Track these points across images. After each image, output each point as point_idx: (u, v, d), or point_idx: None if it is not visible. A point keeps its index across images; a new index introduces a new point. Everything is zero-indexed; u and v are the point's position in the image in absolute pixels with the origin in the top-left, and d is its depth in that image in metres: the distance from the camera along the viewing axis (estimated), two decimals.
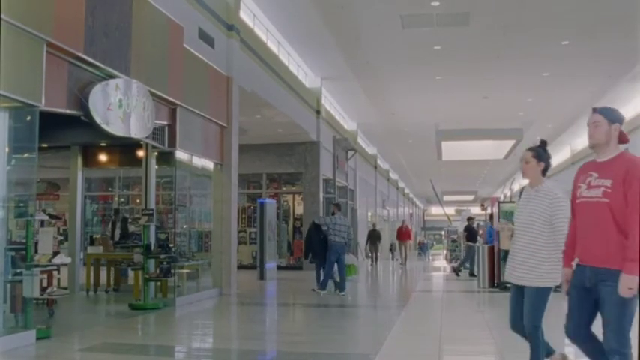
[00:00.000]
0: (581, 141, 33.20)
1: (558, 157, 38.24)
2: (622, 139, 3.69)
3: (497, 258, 12.71)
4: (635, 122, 24.35)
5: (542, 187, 4.33)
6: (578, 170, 3.87)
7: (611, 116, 3.70)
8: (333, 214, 12.95)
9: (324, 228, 12.39)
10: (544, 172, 4.40)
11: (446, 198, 55.36)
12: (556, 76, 19.43)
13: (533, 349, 4.39)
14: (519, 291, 4.38)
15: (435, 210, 71.40)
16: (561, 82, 20.11)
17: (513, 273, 4.39)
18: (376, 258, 23.84)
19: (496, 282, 12.70)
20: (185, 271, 11.03)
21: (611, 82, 20.37)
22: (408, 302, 11.43)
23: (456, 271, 17.10)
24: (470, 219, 18.21)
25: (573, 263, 3.80)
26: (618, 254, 3.42)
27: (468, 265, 17.09)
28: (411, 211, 60.64)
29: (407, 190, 55.67)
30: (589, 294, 3.62)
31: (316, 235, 12.49)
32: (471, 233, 17.32)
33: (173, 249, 10.11)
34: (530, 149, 4.45)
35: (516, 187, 50.85)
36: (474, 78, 19.81)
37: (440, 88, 21.02)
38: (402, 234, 25.36)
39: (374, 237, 23.93)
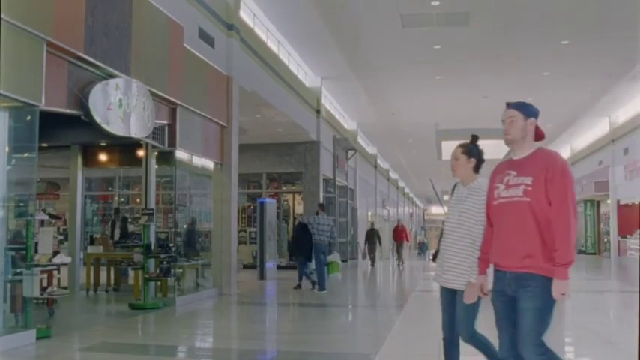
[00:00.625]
0: (581, 141, 33.24)
1: None
2: (538, 134, 3.54)
3: None
4: (635, 122, 24.35)
5: (474, 185, 4.03)
6: (493, 171, 3.67)
7: (527, 111, 3.57)
8: (317, 213, 13.37)
9: (309, 227, 12.81)
10: (476, 169, 4.12)
11: (446, 198, 55.06)
12: (556, 76, 19.43)
13: (483, 351, 4.15)
14: (450, 295, 4.10)
15: (435, 210, 71.42)
16: (561, 82, 20.11)
17: (443, 276, 4.11)
18: (374, 258, 23.04)
19: None
20: (189, 268, 11.03)
21: (611, 82, 20.38)
22: (408, 302, 11.43)
23: None
24: None
25: (489, 270, 3.60)
26: (541, 257, 3.25)
27: None
28: (411, 211, 60.65)
29: (407, 190, 55.68)
30: (514, 302, 3.36)
31: (304, 234, 12.83)
32: None
33: (173, 248, 10.12)
34: (461, 145, 4.19)
35: None
36: (473, 78, 19.80)
37: (440, 88, 21.02)
38: (398, 234, 24.83)
39: (372, 236, 23.28)
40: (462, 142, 4.23)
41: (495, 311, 3.51)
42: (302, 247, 12.91)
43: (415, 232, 58.73)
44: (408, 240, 25.33)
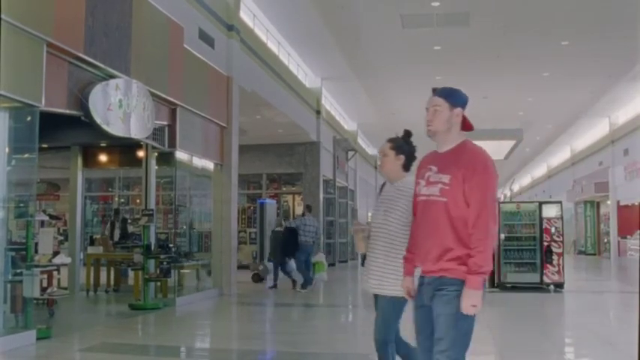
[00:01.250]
0: (581, 141, 33.24)
1: (558, 157, 38.29)
2: (466, 125, 3.19)
3: (498, 258, 12.70)
4: (635, 123, 24.35)
5: (401, 184, 3.73)
6: (419, 163, 3.34)
7: (454, 100, 3.16)
8: (303, 214, 13.68)
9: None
10: (405, 166, 3.79)
11: None
12: (556, 76, 19.43)
13: None
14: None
15: None
16: (561, 82, 20.11)
17: (368, 280, 3.80)
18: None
19: (496, 282, 12.70)
20: (186, 271, 11.04)
21: (611, 82, 20.37)
22: (408, 302, 11.41)
23: None
24: None
25: (416, 272, 3.24)
26: (455, 262, 2.93)
27: None
28: None
29: None
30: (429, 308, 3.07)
31: (291, 237, 13.00)
32: None
33: (173, 249, 10.11)
34: (390, 140, 3.84)
35: (516, 188, 51.00)
36: (473, 78, 19.79)
37: None
38: None
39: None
40: (392, 136, 3.88)
41: (415, 321, 3.25)
42: (288, 249, 13.06)
43: None
44: None
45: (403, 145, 3.79)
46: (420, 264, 3.13)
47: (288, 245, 13.04)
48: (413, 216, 3.27)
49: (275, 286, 13.21)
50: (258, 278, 14.50)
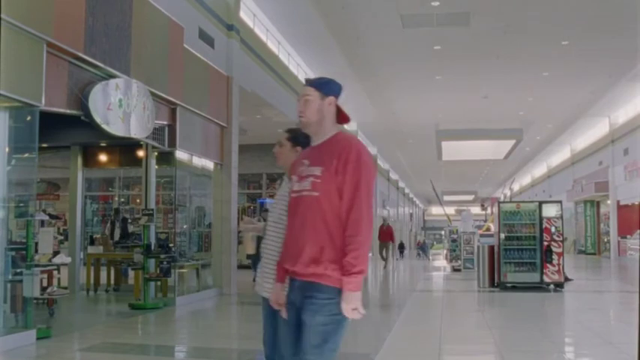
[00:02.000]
0: (581, 141, 33.24)
1: (558, 156, 38.29)
2: (342, 116, 2.95)
3: (498, 258, 12.71)
4: (635, 122, 24.37)
5: None
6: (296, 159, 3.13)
7: (325, 89, 2.94)
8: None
9: None
10: None
11: (446, 198, 55.42)
12: (556, 76, 19.44)
13: None
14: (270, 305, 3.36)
15: (436, 210, 71.44)
16: (561, 82, 20.12)
17: (263, 284, 3.43)
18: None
19: (496, 282, 12.70)
20: (185, 270, 11.04)
21: (611, 82, 20.38)
22: (408, 302, 11.43)
23: None
24: None
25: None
26: (330, 264, 2.66)
27: None
28: (411, 211, 60.65)
29: (407, 190, 55.69)
30: (296, 314, 2.80)
31: None
32: None
33: (173, 249, 10.11)
34: (288, 130, 3.60)
35: (516, 187, 51.00)
36: (473, 78, 19.81)
37: (440, 88, 21.03)
38: (384, 234, 22.65)
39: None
40: (291, 127, 3.63)
41: (279, 328, 3.01)
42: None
43: (415, 232, 58.74)
44: (393, 241, 23.22)
45: (300, 137, 3.40)
46: (290, 266, 2.83)
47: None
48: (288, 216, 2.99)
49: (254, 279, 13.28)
50: None
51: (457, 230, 20.87)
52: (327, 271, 2.66)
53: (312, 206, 2.73)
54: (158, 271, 9.81)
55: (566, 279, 14.33)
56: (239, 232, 12.70)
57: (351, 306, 2.63)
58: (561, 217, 12.80)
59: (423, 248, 34.63)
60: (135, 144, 10.29)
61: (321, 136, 2.90)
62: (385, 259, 22.12)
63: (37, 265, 6.85)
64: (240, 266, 13.84)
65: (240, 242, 11.89)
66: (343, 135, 2.88)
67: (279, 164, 3.60)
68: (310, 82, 2.99)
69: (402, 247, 36.61)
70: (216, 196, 12.10)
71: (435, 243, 46.47)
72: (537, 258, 12.52)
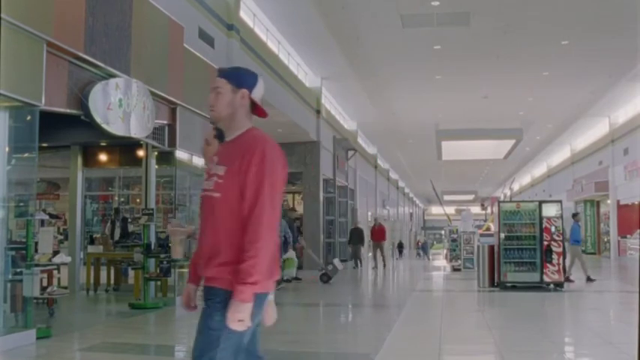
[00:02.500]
0: (581, 141, 33.24)
1: (558, 156, 38.30)
2: (258, 111, 2.75)
3: (498, 258, 12.71)
4: (635, 122, 24.37)
5: None
6: None
7: (237, 80, 2.73)
8: None
9: None
10: None
11: (446, 197, 55.44)
12: (556, 76, 19.45)
13: None
14: None
15: (435, 210, 71.46)
16: (561, 82, 20.13)
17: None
18: (360, 261, 21.13)
19: (496, 282, 12.70)
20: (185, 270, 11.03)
21: (611, 82, 20.39)
22: (408, 302, 11.43)
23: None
24: (574, 215, 16.30)
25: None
26: (225, 268, 2.49)
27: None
28: (411, 211, 60.66)
29: (407, 190, 55.71)
30: None
31: None
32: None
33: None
34: (216, 127, 3.34)
35: (516, 187, 50.97)
36: (473, 78, 19.82)
37: (440, 88, 21.03)
38: (376, 233, 21.82)
39: (355, 237, 20.73)
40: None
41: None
42: None
43: (415, 232, 58.74)
44: (385, 240, 22.21)
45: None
46: (198, 268, 2.68)
47: None
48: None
49: None
50: (327, 278, 14.51)
51: (457, 230, 20.86)
52: (223, 274, 2.49)
53: (214, 208, 2.57)
54: (158, 271, 9.81)
55: (567, 279, 14.35)
56: (167, 236, 12.63)
57: (238, 316, 2.41)
58: (561, 216, 12.80)
59: (424, 248, 34.65)
60: (135, 144, 10.29)
61: (232, 132, 2.69)
62: (376, 260, 21.54)
63: (37, 265, 6.85)
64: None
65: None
66: (254, 132, 2.67)
67: (205, 164, 3.37)
68: (221, 73, 2.76)
69: (401, 246, 36.60)
70: None
71: (435, 243, 46.47)
72: (537, 258, 12.52)
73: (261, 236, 2.44)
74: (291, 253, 14.51)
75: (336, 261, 15.52)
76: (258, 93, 2.73)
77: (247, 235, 2.45)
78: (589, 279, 13.80)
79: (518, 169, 44.95)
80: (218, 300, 2.51)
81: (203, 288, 2.62)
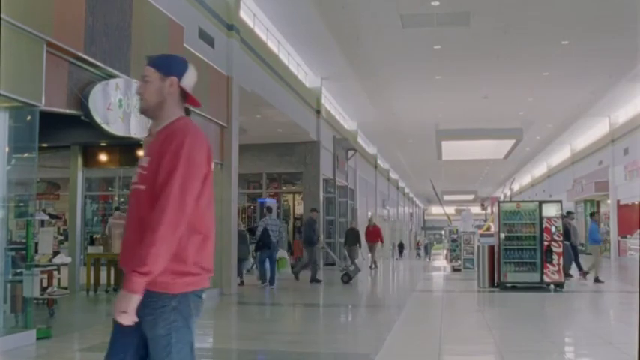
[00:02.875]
0: (581, 141, 33.24)
1: (558, 156, 38.30)
2: (189, 99, 2.65)
3: (498, 258, 12.71)
4: (635, 122, 24.37)
5: None
6: None
7: (165, 68, 2.60)
8: (263, 216, 14.63)
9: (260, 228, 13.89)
10: None
11: (446, 197, 55.43)
12: (556, 76, 19.45)
13: None
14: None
15: (435, 210, 71.47)
16: (561, 81, 20.13)
17: None
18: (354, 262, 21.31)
19: (496, 282, 12.70)
20: None
21: (611, 82, 20.39)
22: (408, 302, 11.43)
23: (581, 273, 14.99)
24: (567, 214, 16.04)
25: None
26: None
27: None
28: (411, 211, 60.65)
29: (407, 190, 55.71)
30: (138, 327, 2.43)
31: (265, 237, 13.75)
32: (566, 231, 14.80)
33: None
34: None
35: (516, 187, 50.95)
36: (473, 78, 19.82)
37: (440, 88, 21.04)
38: (370, 234, 21.29)
39: (351, 238, 19.77)
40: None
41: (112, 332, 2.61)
42: (262, 247, 13.74)
43: (415, 232, 58.72)
44: (381, 241, 21.98)
45: None
46: (123, 265, 2.51)
47: (263, 242, 13.70)
48: None
49: (242, 282, 13.67)
50: (348, 278, 14.54)
51: (457, 230, 20.85)
52: (157, 277, 2.32)
53: (137, 201, 2.45)
54: None
55: (567, 275, 14.31)
56: (104, 232, 12.64)
57: (121, 307, 2.29)
58: (561, 217, 12.79)
59: (425, 248, 34.71)
60: (135, 144, 10.27)
61: (162, 121, 2.56)
62: (373, 260, 21.24)
63: (37, 265, 6.85)
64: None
65: (104, 242, 11.76)
66: (181, 121, 2.54)
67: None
68: (150, 61, 2.63)
69: (401, 247, 36.62)
70: (217, 196, 12.06)
71: (435, 243, 46.48)
72: (537, 258, 12.52)
73: (162, 225, 2.29)
74: (282, 252, 14.76)
75: (357, 261, 15.64)
76: (188, 81, 2.63)
77: (150, 221, 2.31)
78: (597, 280, 13.79)
79: (518, 169, 44.95)
80: (156, 305, 2.37)
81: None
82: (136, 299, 2.28)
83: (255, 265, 15.23)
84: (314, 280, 14.47)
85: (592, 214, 16.06)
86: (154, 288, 2.34)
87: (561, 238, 12.67)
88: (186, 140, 2.42)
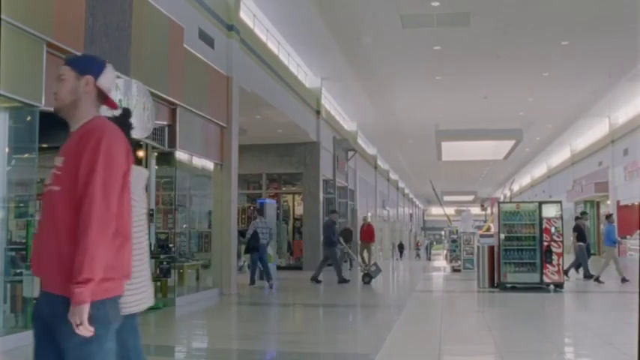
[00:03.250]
0: (581, 141, 33.24)
1: (558, 157, 38.30)
2: (107, 101, 2.58)
3: (498, 258, 12.71)
4: (635, 122, 24.38)
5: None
6: None
7: (80, 67, 2.54)
8: (255, 218, 14.93)
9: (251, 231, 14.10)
10: None
11: (446, 198, 55.44)
12: (556, 76, 19.45)
13: None
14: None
15: (435, 210, 71.47)
16: (561, 82, 20.13)
17: (137, 295, 3.16)
18: (349, 263, 20.34)
19: (496, 282, 12.70)
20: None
21: (611, 82, 20.40)
22: (408, 302, 11.43)
23: (586, 276, 14.86)
24: (581, 214, 16.20)
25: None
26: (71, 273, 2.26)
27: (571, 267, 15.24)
28: (411, 211, 60.66)
29: (407, 190, 55.71)
30: (54, 337, 2.35)
31: (254, 239, 13.94)
32: (581, 232, 15.15)
33: (173, 249, 10.10)
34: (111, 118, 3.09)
35: (516, 188, 50.95)
36: (473, 78, 19.82)
37: (440, 88, 21.04)
38: (364, 234, 20.50)
39: (346, 238, 18.77)
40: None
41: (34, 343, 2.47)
42: (252, 248, 13.96)
43: (415, 233, 58.74)
44: (373, 240, 21.07)
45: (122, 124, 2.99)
46: (35, 272, 2.48)
47: (252, 245, 13.88)
48: None
49: (253, 282, 13.87)
50: (369, 279, 14.55)
51: (457, 230, 20.84)
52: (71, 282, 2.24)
53: (52, 203, 2.38)
54: (158, 272, 9.80)
55: (590, 276, 14.46)
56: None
57: (76, 322, 2.22)
58: (561, 217, 12.80)
59: (426, 249, 34.81)
60: (135, 144, 10.22)
61: (77, 121, 2.50)
62: (366, 260, 20.16)
63: None
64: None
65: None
66: (95, 121, 2.48)
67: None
68: (66, 61, 2.58)
69: (401, 247, 36.65)
70: (216, 197, 12.09)
71: (434, 243, 46.52)
72: (537, 258, 12.51)
73: (91, 228, 2.24)
74: (269, 249, 15.06)
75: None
76: (105, 81, 2.55)
77: (80, 227, 2.26)
78: (624, 280, 13.82)
79: (518, 170, 44.96)
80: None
81: (52, 297, 2.33)
82: (85, 309, 2.22)
83: (246, 266, 15.30)
84: (342, 280, 14.47)
85: (608, 216, 15.87)
86: (70, 295, 2.24)
87: (561, 239, 12.66)
88: (104, 137, 2.37)
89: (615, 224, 14.61)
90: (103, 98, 2.56)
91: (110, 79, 2.59)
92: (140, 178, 3.01)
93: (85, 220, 2.25)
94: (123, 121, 3.09)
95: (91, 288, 2.22)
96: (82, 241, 2.23)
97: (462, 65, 18.30)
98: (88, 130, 2.40)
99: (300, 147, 19.90)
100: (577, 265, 15.46)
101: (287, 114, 16.63)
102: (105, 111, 2.67)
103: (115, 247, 2.35)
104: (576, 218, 16.11)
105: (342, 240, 16.49)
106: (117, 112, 3.08)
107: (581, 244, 15.09)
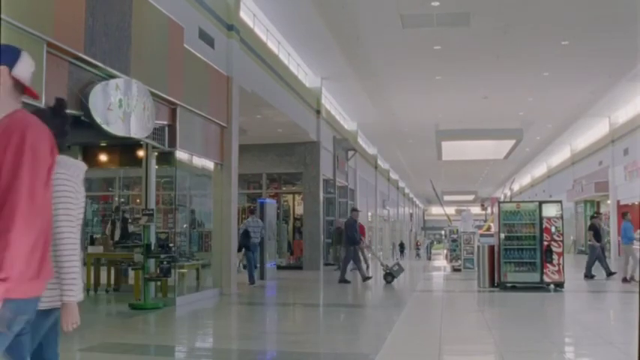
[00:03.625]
0: (581, 141, 33.24)
1: (558, 156, 38.30)
2: (27, 91, 2.46)
3: (498, 258, 12.71)
4: (635, 122, 24.37)
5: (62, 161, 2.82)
6: None
7: None
8: (247, 217, 15.32)
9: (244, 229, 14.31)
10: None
11: (446, 198, 55.45)
12: (556, 76, 19.45)
13: None
14: (44, 318, 2.94)
15: (436, 210, 71.46)
16: (561, 81, 20.13)
17: (74, 288, 3.11)
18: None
19: (496, 282, 12.70)
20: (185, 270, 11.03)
21: (611, 82, 20.39)
22: (408, 302, 11.43)
23: (587, 275, 14.98)
24: (596, 214, 15.94)
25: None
26: None
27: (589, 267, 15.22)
28: (411, 211, 60.66)
29: (407, 190, 55.71)
30: None
31: (245, 238, 14.17)
32: (597, 232, 15.16)
33: (173, 249, 10.10)
34: (35, 110, 2.81)
35: (516, 187, 50.94)
36: (473, 78, 19.82)
37: (440, 88, 21.04)
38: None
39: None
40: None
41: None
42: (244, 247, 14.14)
43: (415, 232, 58.74)
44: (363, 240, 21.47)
45: (48, 117, 2.75)
46: None
47: (243, 244, 14.01)
48: None
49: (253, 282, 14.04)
50: (391, 278, 14.61)
51: (457, 230, 20.82)
52: None
53: None
54: (158, 271, 9.81)
55: (611, 273, 14.77)
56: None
57: None
58: (561, 217, 12.80)
59: (426, 248, 34.82)
60: (135, 144, 10.29)
61: None
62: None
63: None
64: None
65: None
66: (16, 114, 2.34)
67: None
68: None
69: (402, 247, 36.67)
70: (217, 196, 12.10)
71: (435, 243, 46.53)
72: (537, 258, 12.52)
73: (15, 224, 2.15)
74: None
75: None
76: (22, 70, 2.43)
77: (10, 224, 2.15)
78: (625, 279, 13.82)
79: (518, 170, 44.95)
80: None
81: None
82: (5, 309, 2.14)
83: (242, 266, 15.36)
84: (366, 278, 14.63)
85: (625, 214, 15.71)
86: None
87: (561, 239, 12.66)
88: (28, 132, 2.26)
89: (630, 221, 14.46)
90: (22, 88, 2.44)
91: (27, 68, 2.46)
92: (78, 171, 2.93)
93: (9, 217, 2.16)
94: (58, 111, 2.95)
95: (10, 287, 2.13)
96: (4, 238, 2.13)
97: (462, 65, 18.30)
98: (8, 126, 2.27)
99: (300, 147, 19.91)
100: (592, 262, 15.30)
101: (287, 114, 16.64)
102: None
103: (38, 245, 2.28)
104: (591, 217, 16.04)
105: (364, 238, 16.79)
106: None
107: (597, 244, 15.10)
